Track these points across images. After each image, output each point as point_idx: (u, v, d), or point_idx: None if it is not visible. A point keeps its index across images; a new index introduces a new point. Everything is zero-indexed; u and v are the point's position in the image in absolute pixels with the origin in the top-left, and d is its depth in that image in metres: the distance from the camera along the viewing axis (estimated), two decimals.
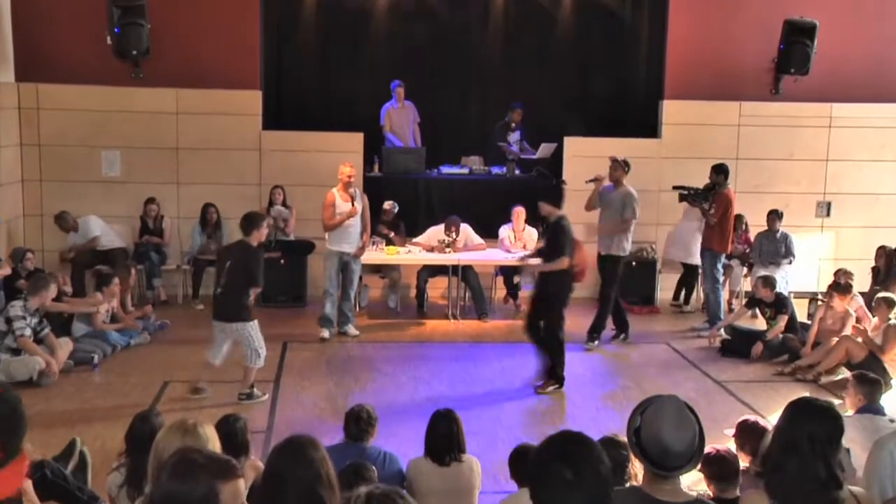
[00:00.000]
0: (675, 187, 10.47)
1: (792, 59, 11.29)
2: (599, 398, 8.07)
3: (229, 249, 7.92)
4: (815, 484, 3.13)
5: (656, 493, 2.97)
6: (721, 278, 10.34)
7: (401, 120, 12.32)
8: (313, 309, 10.25)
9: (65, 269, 10.35)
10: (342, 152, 11.10)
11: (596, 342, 9.56)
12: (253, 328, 7.61)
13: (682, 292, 11.49)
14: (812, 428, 3.17)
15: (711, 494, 4.48)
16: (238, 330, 7.58)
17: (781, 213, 11.01)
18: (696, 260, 10.68)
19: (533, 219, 10.99)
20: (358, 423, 5.19)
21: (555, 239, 8.01)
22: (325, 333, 9.48)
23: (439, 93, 12.61)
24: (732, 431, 5.16)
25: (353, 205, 9.40)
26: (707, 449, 4.18)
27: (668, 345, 9.82)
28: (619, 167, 9.45)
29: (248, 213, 7.92)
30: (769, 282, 9.55)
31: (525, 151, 12.40)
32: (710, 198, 10.07)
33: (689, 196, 10.30)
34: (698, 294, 11.30)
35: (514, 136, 12.42)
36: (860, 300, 9.37)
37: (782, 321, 9.37)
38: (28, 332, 8.12)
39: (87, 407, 7.53)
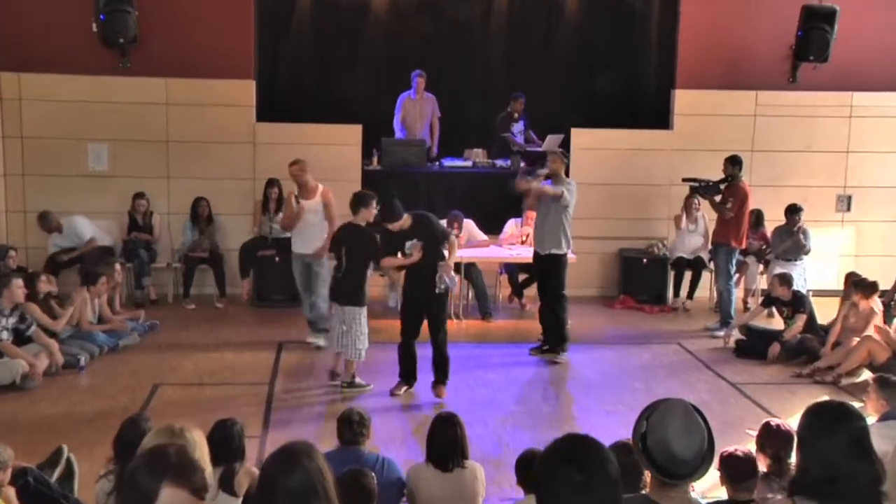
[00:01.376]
0: (684, 179, 10.35)
1: (810, 46, 11.11)
2: (608, 401, 7.91)
3: (342, 234, 8.01)
4: None
5: (664, 500, 2.94)
6: (734, 275, 10.17)
7: (415, 112, 12.10)
8: None
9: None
10: (340, 145, 11.03)
11: (563, 354, 8.93)
12: (363, 315, 7.82)
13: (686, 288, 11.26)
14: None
15: (727, 495, 4.45)
16: (348, 313, 7.76)
17: (801, 208, 10.73)
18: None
19: None
20: (351, 426, 5.16)
21: (438, 231, 7.91)
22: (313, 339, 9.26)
23: (443, 84, 12.33)
24: (756, 431, 5.09)
25: (297, 203, 9.06)
26: (729, 449, 4.46)
27: (680, 345, 9.70)
28: (559, 158, 8.93)
29: (357, 192, 8.13)
30: (786, 279, 9.43)
31: (531, 142, 12.19)
32: (722, 191, 9.93)
33: (701, 188, 10.19)
34: (709, 293, 11.11)
35: (517, 127, 12.20)
36: (877, 301, 9.10)
37: (800, 320, 9.22)
38: (4, 335, 7.97)
39: (73, 411, 7.40)
